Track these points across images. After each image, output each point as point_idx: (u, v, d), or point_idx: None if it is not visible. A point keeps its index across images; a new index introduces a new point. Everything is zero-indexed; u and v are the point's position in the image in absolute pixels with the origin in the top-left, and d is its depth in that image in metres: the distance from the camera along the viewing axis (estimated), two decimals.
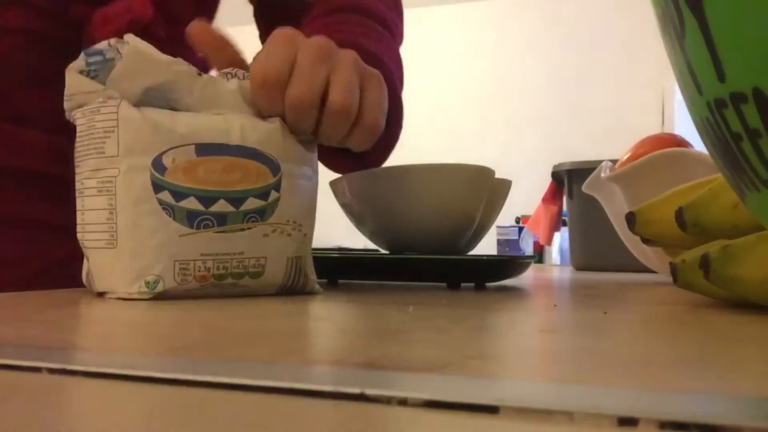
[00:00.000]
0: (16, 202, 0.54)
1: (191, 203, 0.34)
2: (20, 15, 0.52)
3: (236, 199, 0.35)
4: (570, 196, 1.00)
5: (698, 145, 0.70)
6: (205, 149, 0.34)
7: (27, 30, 0.53)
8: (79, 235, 0.35)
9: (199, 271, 0.34)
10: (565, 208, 1.07)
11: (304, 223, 0.39)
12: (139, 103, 0.34)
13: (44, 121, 0.53)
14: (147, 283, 0.32)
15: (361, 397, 0.13)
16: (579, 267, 0.96)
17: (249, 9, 0.73)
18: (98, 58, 0.34)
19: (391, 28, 0.59)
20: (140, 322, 0.24)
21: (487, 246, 3.35)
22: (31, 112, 0.54)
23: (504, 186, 0.65)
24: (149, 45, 0.35)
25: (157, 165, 0.33)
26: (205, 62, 0.45)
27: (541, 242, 1.18)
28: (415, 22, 4.47)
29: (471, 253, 0.61)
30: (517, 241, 2.64)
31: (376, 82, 0.43)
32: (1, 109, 0.53)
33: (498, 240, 2.69)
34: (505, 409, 0.12)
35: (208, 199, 0.34)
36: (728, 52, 0.18)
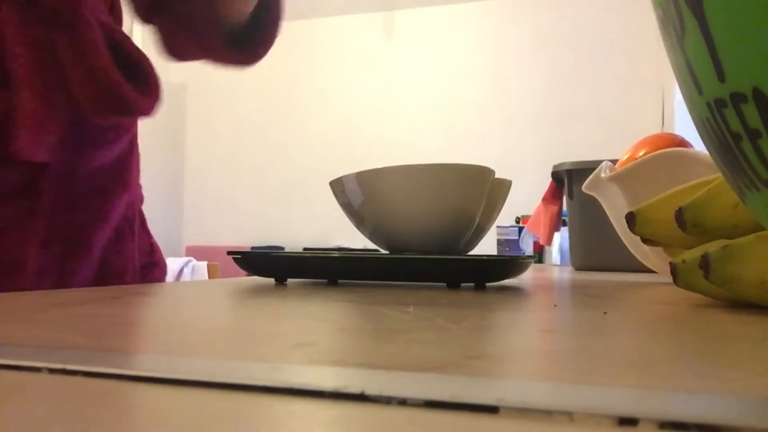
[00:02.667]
0: None
1: None
2: None
3: None
4: (570, 196, 1.00)
5: (698, 145, 0.70)
6: None
7: None
8: None
9: None
10: (565, 208, 1.07)
11: None
12: None
13: None
14: None
15: (361, 397, 0.13)
16: (579, 267, 0.96)
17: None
18: None
19: None
20: (140, 322, 0.24)
21: (487, 246, 3.36)
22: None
23: (504, 186, 0.65)
24: None
25: None
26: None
27: (541, 242, 1.18)
28: (415, 22, 4.49)
29: (471, 253, 0.61)
30: (517, 241, 2.64)
31: None
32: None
33: (498, 240, 2.69)
34: (505, 409, 0.12)
35: None
36: (728, 52, 0.18)
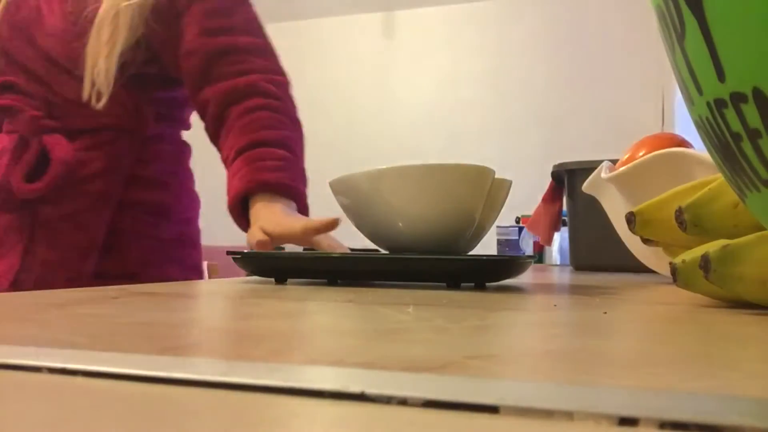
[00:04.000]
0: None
1: None
2: None
3: None
4: (570, 196, 1.00)
5: (698, 145, 0.70)
6: None
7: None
8: None
9: None
10: (565, 208, 1.07)
11: None
12: None
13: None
14: None
15: (361, 397, 0.13)
16: (579, 267, 0.96)
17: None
18: None
19: (296, 151, 0.83)
20: (140, 322, 0.24)
21: (487, 246, 3.35)
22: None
23: (504, 186, 0.65)
24: None
25: None
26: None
27: (541, 242, 1.18)
28: (415, 22, 4.48)
29: (471, 253, 0.61)
30: (517, 241, 2.64)
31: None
32: None
33: (498, 240, 2.69)
34: (505, 409, 0.12)
35: None
36: (728, 52, 0.18)
